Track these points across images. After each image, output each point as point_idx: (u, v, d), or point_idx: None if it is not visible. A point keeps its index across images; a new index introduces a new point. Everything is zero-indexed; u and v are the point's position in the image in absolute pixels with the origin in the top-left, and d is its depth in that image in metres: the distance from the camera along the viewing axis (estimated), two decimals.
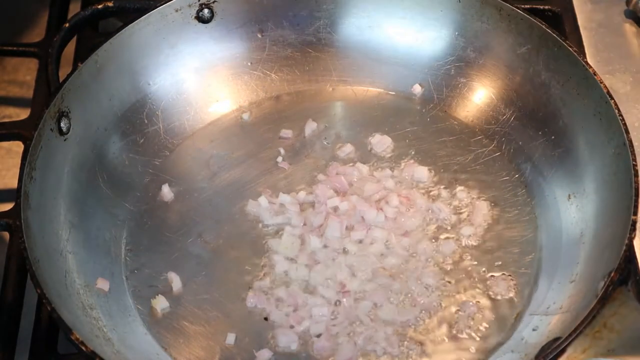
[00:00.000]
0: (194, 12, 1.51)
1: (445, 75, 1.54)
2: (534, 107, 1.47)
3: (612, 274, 1.21)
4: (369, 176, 1.46)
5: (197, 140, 1.52)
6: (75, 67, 1.41)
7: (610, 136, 1.34)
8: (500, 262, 1.37)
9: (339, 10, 1.56)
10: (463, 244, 1.39)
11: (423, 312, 1.33)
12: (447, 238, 1.40)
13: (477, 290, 1.34)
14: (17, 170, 1.32)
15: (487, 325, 1.32)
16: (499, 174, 1.46)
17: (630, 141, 1.31)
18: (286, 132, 1.52)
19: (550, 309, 1.30)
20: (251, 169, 1.49)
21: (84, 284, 1.33)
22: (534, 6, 1.61)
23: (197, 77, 1.54)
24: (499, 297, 1.34)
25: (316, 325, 1.32)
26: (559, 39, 1.43)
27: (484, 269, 1.36)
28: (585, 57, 1.51)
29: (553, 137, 1.44)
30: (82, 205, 1.39)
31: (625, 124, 1.33)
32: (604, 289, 1.21)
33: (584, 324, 1.19)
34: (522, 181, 1.45)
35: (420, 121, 1.53)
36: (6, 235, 1.42)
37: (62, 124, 1.37)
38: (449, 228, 1.41)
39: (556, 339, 1.22)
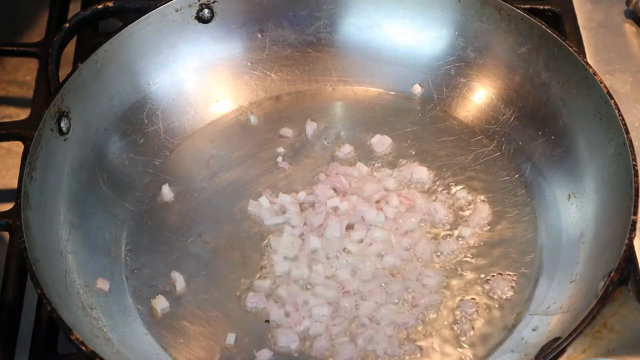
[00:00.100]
0: (194, 12, 1.51)
1: (445, 75, 1.54)
2: (534, 107, 1.47)
3: (612, 274, 1.21)
4: (369, 176, 1.46)
5: (197, 140, 1.52)
6: (75, 67, 1.41)
7: (610, 136, 1.34)
8: (500, 262, 1.37)
9: (339, 10, 1.56)
10: (463, 244, 1.39)
11: (423, 312, 1.33)
12: (447, 238, 1.40)
13: (477, 290, 1.34)
14: (17, 170, 1.32)
15: (486, 325, 1.32)
16: (499, 174, 1.46)
17: (630, 141, 1.31)
18: (286, 131, 1.52)
19: (550, 309, 1.30)
20: (251, 169, 1.49)
21: (84, 284, 1.33)
22: (534, 6, 1.61)
23: (197, 77, 1.54)
24: (499, 297, 1.34)
25: (316, 325, 1.32)
26: (559, 39, 1.43)
27: (483, 268, 1.36)
28: (585, 57, 1.51)
29: (553, 137, 1.44)
30: (82, 205, 1.39)
31: (625, 124, 1.33)
32: (604, 289, 1.21)
33: (584, 324, 1.19)
34: (522, 181, 1.45)
35: (420, 121, 1.53)
36: (6, 235, 1.42)
37: (62, 124, 1.37)
38: (448, 228, 1.41)
39: (556, 339, 1.22)
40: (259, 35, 1.56)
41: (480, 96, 1.52)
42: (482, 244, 1.39)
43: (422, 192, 1.44)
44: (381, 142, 1.50)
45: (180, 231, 1.42)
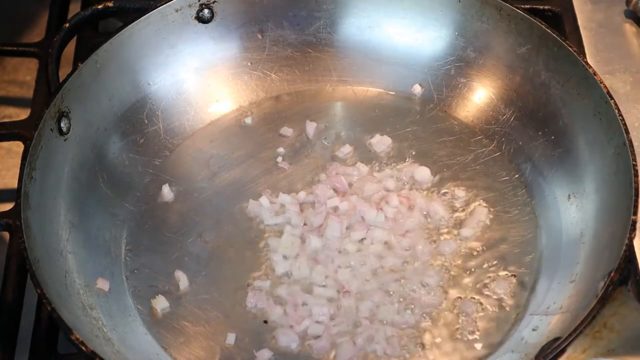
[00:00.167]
0: (194, 12, 1.51)
1: (445, 75, 1.54)
2: (534, 107, 1.47)
3: (612, 274, 1.21)
4: (369, 176, 1.46)
5: (197, 140, 1.52)
6: (75, 67, 1.41)
7: (610, 136, 1.34)
8: (500, 262, 1.37)
9: (339, 10, 1.56)
10: (463, 244, 1.39)
11: (423, 312, 1.33)
12: (447, 238, 1.40)
13: (477, 290, 1.34)
14: (17, 170, 1.32)
15: (487, 325, 1.32)
16: (499, 174, 1.46)
17: (630, 141, 1.31)
18: (286, 130, 1.52)
19: (550, 309, 1.30)
20: (251, 169, 1.49)
21: (84, 284, 1.33)
22: (534, 6, 1.61)
23: (197, 77, 1.54)
24: (499, 297, 1.34)
25: (316, 325, 1.32)
26: (559, 39, 1.43)
27: (483, 268, 1.36)
28: (585, 57, 1.51)
29: (553, 137, 1.44)
30: (82, 205, 1.39)
31: (625, 124, 1.33)
32: (604, 289, 1.21)
33: (584, 324, 1.19)
34: (522, 181, 1.45)
35: (420, 121, 1.53)
36: (6, 235, 1.42)
37: (62, 124, 1.37)
38: (448, 228, 1.41)
39: (556, 339, 1.22)
40: (259, 36, 1.56)
41: (480, 96, 1.52)
42: (482, 244, 1.39)
43: (422, 192, 1.44)
44: (381, 142, 1.50)
45: (180, 231, 1.42)
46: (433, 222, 1.41)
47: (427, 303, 1.33)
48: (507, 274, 1.36)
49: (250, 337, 1.32)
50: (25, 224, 1.27)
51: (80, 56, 1.52)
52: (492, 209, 1.42)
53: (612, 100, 1.35)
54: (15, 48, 1.65)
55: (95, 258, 1.37)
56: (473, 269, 1.36)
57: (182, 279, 1.36)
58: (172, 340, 1.32)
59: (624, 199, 1.28)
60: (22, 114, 1.57)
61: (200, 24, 1.52)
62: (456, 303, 1.33)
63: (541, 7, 1.62)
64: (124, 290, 1.36)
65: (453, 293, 1.34)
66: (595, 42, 1.59)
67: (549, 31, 1.44)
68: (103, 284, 1.34)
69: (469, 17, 1.51)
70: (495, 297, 1.34)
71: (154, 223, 1.43)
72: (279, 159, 1.49)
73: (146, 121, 1.50)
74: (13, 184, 1.44)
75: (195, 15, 1.51)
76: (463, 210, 1.42)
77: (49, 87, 1.44)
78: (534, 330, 1.29)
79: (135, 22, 1.47)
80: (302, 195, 1.45)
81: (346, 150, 1.50)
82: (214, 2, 1.52)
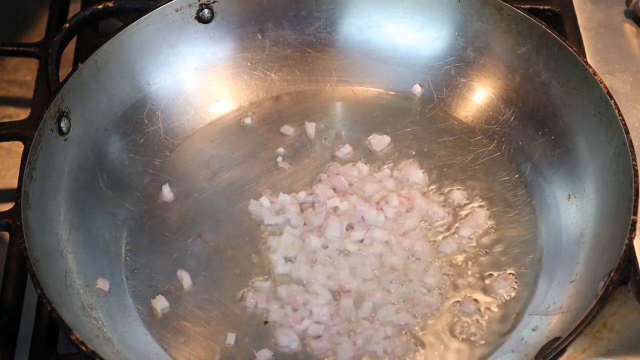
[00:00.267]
0: (194, 12, 1.51)
1: (445, 75, 1.54)
2: (534, 107, 1.47)
3: (612, 274, 1.21)
4: (369, 176, 1.46)
5: (197, 140, 1.52)
6: (75, 67, 1.41)
7: (610, 136, 1.34)
8: (500, 262, 1.37)
9: (339, 10, 1.56)
10: (463, 244, 1.39)
11: (423, 312, 1.33)
12: (447, 238, 1.40)
13: (477, 290, 1.34)
14: (17, 170, 1.32)
15: (486, 325, 1.31)
16: (499, 174, 1.46)
17: (630, 141, 1.31)
18: (287, 129, 1.52)
19: (550, 309, 1.30)
20: (251, 169, 1.49)
21: (84, 284, 1.33)
22: (534, 6, 1.61)
23: (197, 77, 1.54)
24: (499, 297, 1.34)
25: (316, 325, 1.32)
26: (559, 39, 1.43)
27: (483, 268, 1.36)
28: (585, 57, 1.51)
29: (553, 137, 1.44)
30: (82, 205, 1.39)
31: (625, 124, 1.33)
32: (604, 289, 1.21)
33: (584, 324, 1.19)
34: (522, 181, 1.45)
35: (420, 121, 1.53)
36: (6, 235, 1.42)
37: (62, 124, 1.37)
38: (448, 228, 1.41)
39: (556, 339, 1.22)
40: (259, 36, 1.56)
41: (480, 96, 1.52)
42: (482, 244, 1.39)
43: (422, 192, 1.44)
44: (381, 142, 1.50)
45: (180, 231, 1.42)
46: (433, 222, 1.41)
47: (427, 303, 1.33)
48: (507, 274, 1.36)
49: (250, 337, 1.32)
50: (25, 224, 1.27)
51: (80, 56, 1.52)
52: (492, 209, 1.42)
53: (612, 100, 1.35)
54: (15, 48, 1.65)
55: (95, 258, 1.37)
56: (473, 269, 1.36)
57: (186, 278, 1.36)
58: (172, 340, 1.32)
59: (624, 199, 1.28)
60: (22, 114, 1.57)
61: (200, 24, 1.52)
62: (456, 303, 1.33)
63: (541, 7, 1.62)
64: (124, 290, 1.36)
65: (453, 293, 1.34)
66: (595, 42, 1.59)
67: (549, 31, 1.44)
68: (103, 284, 1.34)
69: (469, 17, 1.51)
70: (495, 297, 1.34)
71: (154, 223, 1.43)
72: (279, 159, 1.49)
73: (146, 121, 1.50)
74: (13, 184, 1.44)
75: (195, 15, 1.51)
76: (463, 210, 1.42)
77: (49, 87, 1.44)
78: (534, 330, 1.29)
79: (135, 22, 1.47)
80: (302, 195, 1.45)
81: (346, 150, 1.50)
82: (214, 2, 1.52)
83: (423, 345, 1.30)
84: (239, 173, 1.48)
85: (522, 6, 1.49)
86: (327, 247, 1.39)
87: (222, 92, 1.55)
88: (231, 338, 1.31)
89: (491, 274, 1.36)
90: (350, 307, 1.33)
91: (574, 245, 1.35)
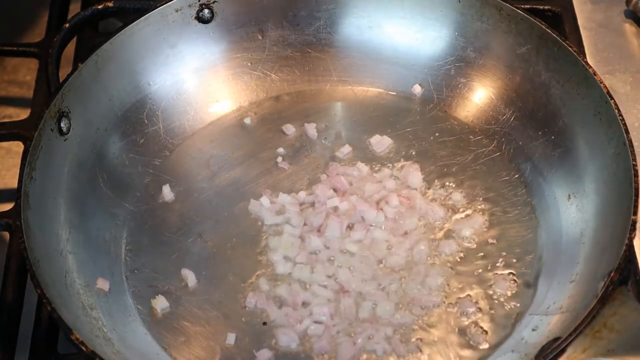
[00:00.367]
0: (194, 12, 1.51)
1: (445, 75, 1.54)
2: (534, 107, 1.47)
3: (612, 274, 1.21)
4: (369, 176, 1.46)
5: (197, 140, 1.52)
6: (75, 67, 1.41)
7: (610, 136, 1.34)
8: (500, 262, 1.37)
9: (339, 10, 1.56)
10: (463, 244, 1.39)
11: (423, 312, 1.33)
12: (447, 238, 1.40)
13: (477, 290, 1.34)
14: (17, 170, 1.32)
15: (487, 325, 1.32)
16: (499, 174, 1.46)
17: (630, 141, 1.31)
18: (288, 128, 1.52)
19: (550, 309, 1.30)
20: (251, 169, 1.49)
21: (84, 284, 1.33)
22: (534, 6, 1.61)
23: (197, 77, 1.54)
24: (499, 297, 1.34)
25: (316, 325, 1.32)
26: (559, 39, 1.43)
27: (483, 268, 1.36)
28: (585, 57, 1.51)
29: (553, 137, 1.44)
30: (82, 205, 1.39)
31: (625, 124, 1.33)
32: (604, 289, 1.21)
33: (584, 324, 1.19)
34: (522, 181, 1.45)
35: (420, 121, 1.53)
36: (6, 235, 1.42)
37: (62, 124, 1.37)
38: (448, 228, 1.41)
39: (556, 339, 1.22)
40: (259, 36, 1.56)
41: (480, 96, 1.52)
42: (482, 244, 1.39)
43: (422, 193, 1.44)
44: (381, 142, 1.50)
45: (180, 231, 1.42)
46: (433, 222, 1.41)
47: (427, 303, 1.33)
48: (507, 274, 1.36)
49: (250, 337, 1.32)
50: (25, 224, 1.27)
51: (80, 56, 1.52)
52: (492, 209, 1.42)
53: (612, 100, 1.35)
54: (15, 48, 1.65)
55: (95, 258, 1.37)
56: (473, 269, 1.36)
57: (190, 277, 1.36)
58: (172, 340, 1.32)
59: (624, 199, 1.28)
60: (22, 114, 1.57)
61: (200, 24, 1.52)
62: (456, 303, 1.33)
63: (541, 7, 1.62)
64: (124, 290, 1.36)
65: (453, 293, 1.34)
66: (595, 42, 1.59)
67: (549, 31, 1.44)
68: (103, 284, 1.34)
69: (469, 17, 1.51)
70: (495, 297, 1.34)
71: (154, 223, 1.43)
72: (279, 159, 1.49)
73: (146, 121, 1.50)
74: (13, 184, 1.44)
75: (195, 15, 1.51)
76: (463, 210, 1.42)
77: (49, 87, 1.44)
78: (534, 330, 1.29)
79: (135, 22, 1.47)
80: (302, 195, 1.45)
81: (346, 150, 1.50)
82: (214, 2, 1.52)
83: (423, 345, 1.30)
84: (239, 173, 1.48)
85: (522, 6, 1.49)
86: (327, 247, 1.39)
87: (222, 92, 1.55)
88: (231, 338, 1.32)
89: (491, 274, 1.36)
90: (350, 307, 1.33)
91: (574, 245, 1.35)
